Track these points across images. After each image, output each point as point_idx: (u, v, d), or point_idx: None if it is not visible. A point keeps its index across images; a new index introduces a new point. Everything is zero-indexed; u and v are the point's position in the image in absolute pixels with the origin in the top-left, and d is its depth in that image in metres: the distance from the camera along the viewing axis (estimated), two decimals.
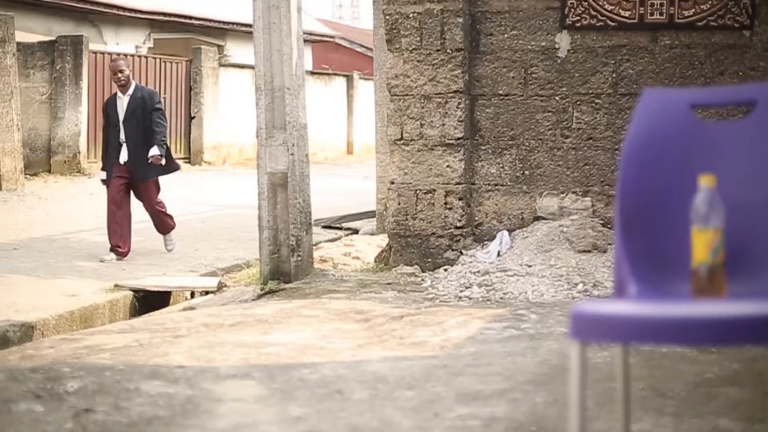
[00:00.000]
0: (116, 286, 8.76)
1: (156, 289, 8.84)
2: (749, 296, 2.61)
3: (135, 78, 21.34)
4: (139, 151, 10.28)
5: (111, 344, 5.10)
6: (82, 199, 15.33)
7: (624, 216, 2.89)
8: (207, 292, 8.48)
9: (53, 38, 19.20)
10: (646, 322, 2.39)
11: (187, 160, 22.92)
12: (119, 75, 10.41)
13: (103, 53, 20.75)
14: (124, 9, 22.44)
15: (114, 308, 8.38)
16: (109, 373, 4.42)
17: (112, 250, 10.22)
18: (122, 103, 10.42)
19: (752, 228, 2.82)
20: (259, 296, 6.78)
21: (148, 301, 8.67)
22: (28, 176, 17.14)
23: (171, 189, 17.25)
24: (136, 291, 8.75)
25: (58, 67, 18.69)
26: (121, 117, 10.37)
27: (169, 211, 10.78)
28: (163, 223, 10.76)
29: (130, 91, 10.45)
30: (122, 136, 10.35)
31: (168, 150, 10.59)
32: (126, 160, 10.31)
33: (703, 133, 2.96)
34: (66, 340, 5.35)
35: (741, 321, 2.31)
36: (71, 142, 18.77)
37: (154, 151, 10.28)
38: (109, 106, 10.59)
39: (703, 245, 2.57)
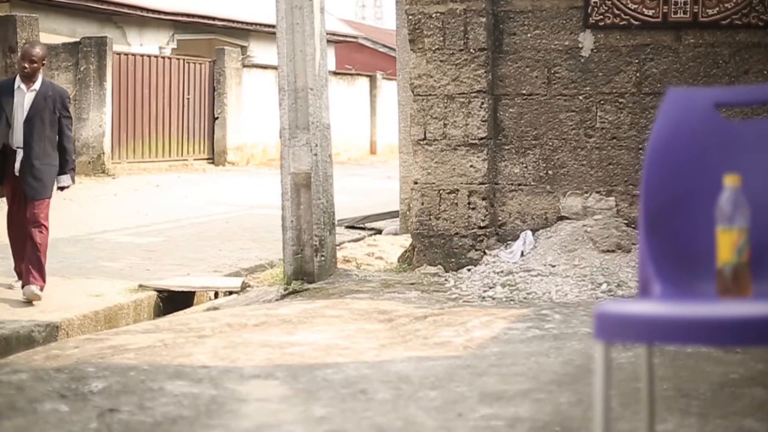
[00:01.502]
0: (141, 286, 8.79)
1: (180, 289, 8.87)
2: None
3: (160, 80, 21.65)
4: (36, 165, 8.11)
5: (135, 344, 5.12)
6: (106, 199, 15.39)
7: (648, 216, 2.88)
8: (231, 293, 8.50)
9: (77, 39, 19.28)
10: (670, 322, 2.38)
11: (210, 161, 22.98)
12: (27, 64, 8.16)
13: (127, 54, 20.84)
14: (147, 10, 22.52)
15: (138, 308, 8.41)
16: (133, 373, 4.43)
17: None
18: (25, 97, 8.16)
19: None
20: (283, 296, 6.79)
21: (172, 301, 8.69)
22: None
23: (195, 190, 17.34)
24: (160, 291, 8.77)
25: (82, 69, 18.77)
26: (21, 116, 8.15)
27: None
28: (35, 257, 8.05)
29: (37, 86, 8.20)
30: (17, 139, 8.15)
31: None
32: (18, 170, 8.15)
33: (728, 133, 2.94)
34: (91, 340, 5.37)
35: (765, 321, 2.30)
36: (95, 143, 18.85)
37: (66, 181, 8.35)
38: (3, 93, 8.25)
39: (728, 245, 2.56)
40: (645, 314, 2.45)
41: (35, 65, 8.19)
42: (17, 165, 8.15)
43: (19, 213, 8.19)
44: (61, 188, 8.37)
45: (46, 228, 8.14)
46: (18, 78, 8.30)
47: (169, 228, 10.84)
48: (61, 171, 8.27)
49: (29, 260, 8.02)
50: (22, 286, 8.07)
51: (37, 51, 8.31)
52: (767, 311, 2.35)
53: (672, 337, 2.40)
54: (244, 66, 24.16)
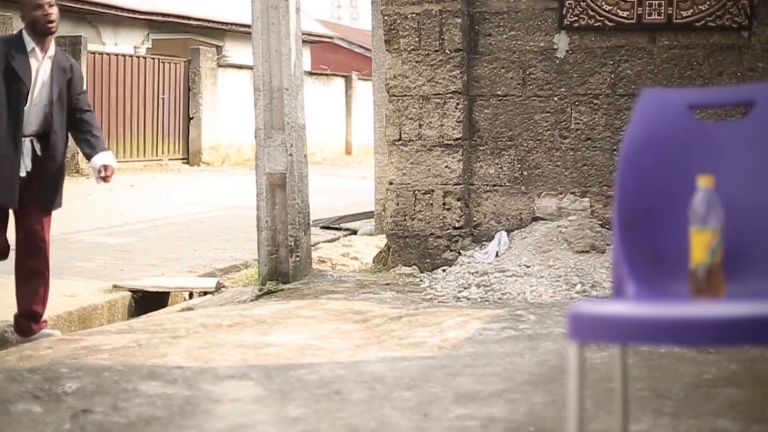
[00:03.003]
0: (115, 286, 8.75)
1: (154, 289, 8.83)
2: (748, 296, 2.61)
3: (135, 79, 21.59)
4: (58, 162, 6.14)
5: (109, 345, 5.10)
6: (80, 199, 15.32)
7: (622, 216, 2.89)
8: (205, 293, 8.48)
9: None
10: (644, 323, 2.39)
11: (185, 161, 22.92)
12: (50, 11, 5.89)
13: (101, 54, 20.76)
14: (122, 9, 22.44)
15: (112, 309, 8.38)
16: (107, 373, 4.41)
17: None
18: (41, 67, 5.98)
19: (751, 228, 2.82)
20: (258, 297, 6.78)
21: (147, 301, 8.66)
22: None
23: (170, 190, 17.28)
24: (134, 291, 8.74)
25: None
26: (39, 92, 5.96)
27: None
28: (40, 274, 6.25)
29: (52, 52, 6.02)
30: (29, 124, 5.94)
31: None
32: (29, 170, 5.96)
33: (702, 134, 2.96)
34: (64, 340, 5.35)
35: (739, 321, 2.31)
36: (70, 142, 18.74)
37: (105, 158, 6.19)
38: (12, 54, 5.88)
39: (701, 246, 2.57)
40: (619, 315, 2.45)
41: (57, 14, 5.97)
42: (27, 162, 5.93)
43: (22, 233, 6.07)
44: (105, 177, 6.16)
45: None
46: (25, 35, 5.94)
47: (143, 228, 10.80)
48: (96, 150, 6.19)
49: (39, 269, 6.25)
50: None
51: None
52: (740, 312, 2.36)
53: (646, 337, 2.40)
54: (220, 66, 24.11)
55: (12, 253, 6.17)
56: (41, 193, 6.02)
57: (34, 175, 5.98)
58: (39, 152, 5.97)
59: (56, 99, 5.99)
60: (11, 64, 5.86)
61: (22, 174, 5.92)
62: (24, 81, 5.88)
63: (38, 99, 5.96)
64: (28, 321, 6.22)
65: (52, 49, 6.04)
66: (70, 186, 17.09)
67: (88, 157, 6.22)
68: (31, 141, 5.97)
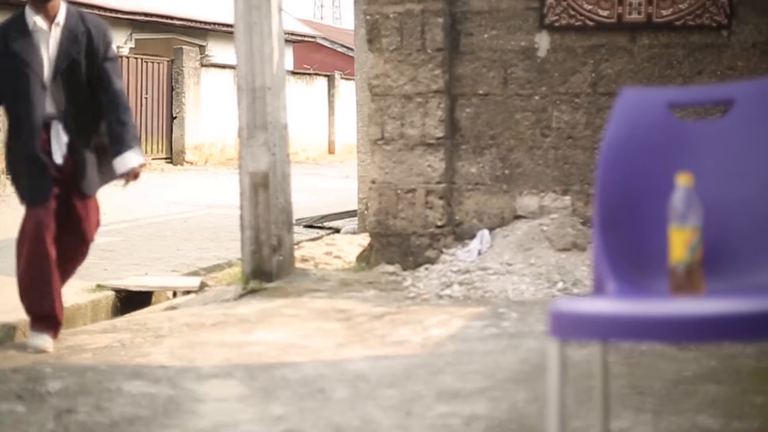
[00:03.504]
0: (98, 286, 8.75)
1: (138, 289, 8.83)
2: (727, 294, 2.64)
3: None
4: (82, 140, 5.32)
5: (93, 344, 5.10)
6: None
7: (602, 214, 2.91)
8: (189, 292, 8.47)
9: None
10: (624, 320, 2.41)
11: (168, 160, 22.89)
12: None
13: None
14: (105, 9, 22.37)
15: (96, 308, 8.37)
16: (90, 373, 4.42)
17: (39, 321, 5.27)
18: (50, 38, 5.23)
19: (730, 226, 2.84)
20: (241, 296, 6.78)
21: (130, 301, 8.66)
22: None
23: (153, 189, 17.25)
24: (118, 291, 8.74)
25: None
26: (48, 68, 5.23)
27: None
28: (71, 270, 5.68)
29: (61, 18, 5.25)
30: (49, 106, 5.23)
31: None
32: (65, 157, 5.27)
33: (681, 132, 2.98)
34: None
35: (719, 318, 2.33)
36: None
37: (134, 159, 5.35)
38: (10, 38, 5.21)
39: (681, 243, 2.59)
40: (599, 312, 2.47)
41: None
42: (58, 146, 5.24)
43: (51, 223, 5.23)
44: (127, 175, 5.35)
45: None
46: (29, 9, 5.24)
47: (127, 227, 10.79)
48: (120, 147, 5.32)
49: (73, 266, 5.66)
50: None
51: None
52: (719, 309, 2.39)
53: (626, 334, 2.42)
54: (203, 65, 24.10)
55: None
56: (78, 178, 5.28)
57: (71, 160, 5.25)
58: (66, 137, 5.22)
59: (69, 73, 5.21)
60: (11, 47, 5.15)
61: (59, 161, 5.20)
62: (29, 63, 5.15)
63: (53, 77, 5.20)
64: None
65: (61, 14, 5.22)
66: None
67: (113, 155, 5.34)
68: (57, 125, 5.22)
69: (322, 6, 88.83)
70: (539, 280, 6.52)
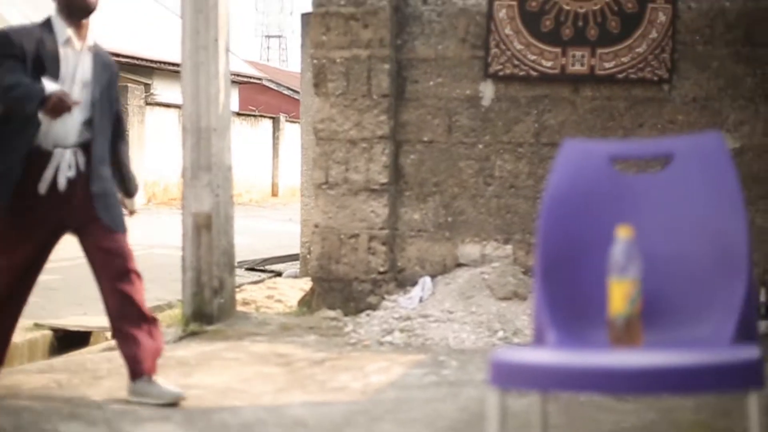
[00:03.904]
0: (36, 324, 8.62)
1: (76, 328, 8.72)
2: (665, 346, 2.67)
3: None
4: (105, 176, 4.88)
5: (29, 384, 5.04)
6: None
7: (543, 264, 2.93)
8: None
9: None
10: (564, 371, 2.43)
11: None
12: None
13: None
14: None
15: (33, 347, 8.25)
16: (26, 414, 4.36)
17: None
18: (79, 60, 4.75)
19: (668, 278, 2.88)
20: (181, 338, 6.74)
21: (68, 340, 8.54)
22: None
23: None
24: (55, 330, 8.62)
25: None
26: (77, 88, 4.72)
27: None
28: (141, 322, 4.92)
29: (91, 41, 4.82)
30: (66, 132, 4.71)
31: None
32: (73, 179, 4.74)
33: (622, 185, 3.02)
34: None
35: (657, 371, 2.36)
36: None
37: (134, 204, 5.40)
38: (46, 47, 4.65)
39: (620, 295, 2.62)
40: (539, 362, 2.49)
41: None
42: (64, 174, 4.70)
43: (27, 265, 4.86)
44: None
45: (139, 275, 5.08)
46: (56, 21, 4.73)
47: (66, 266, 10.65)
48: (124, 190, 5.22)
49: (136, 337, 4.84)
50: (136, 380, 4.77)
51: None
52: (658, 361, 2.41)
53: (566, 385, 2.44)
54: (147, 104, 24.00)
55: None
56: (103, 212, 4.80)
57: (80, 191, 4.75)
58: (82, 167, 4.74)
59: (98, 101, 4.80)
60: (43, 57, 4.62)
61: (62, 184, 4.69)
62: (57, 78, 4.63)
63: (90, 101, 4.77)
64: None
65: (91, 37, 4.80)
66: None
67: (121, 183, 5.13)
68: (74, 153, 4.72)
69: (268, 48, 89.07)
70: (480, 328, 6.54)
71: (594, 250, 2.88)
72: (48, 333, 8.53)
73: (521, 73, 7.31)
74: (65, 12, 4.70)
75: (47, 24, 4.72)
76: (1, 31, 4.70)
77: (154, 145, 23.45)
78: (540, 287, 2.89)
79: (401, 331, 6.60)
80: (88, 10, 4.68)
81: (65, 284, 10.72)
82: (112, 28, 24.20)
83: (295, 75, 34.96)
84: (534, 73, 7.29)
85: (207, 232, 7.09)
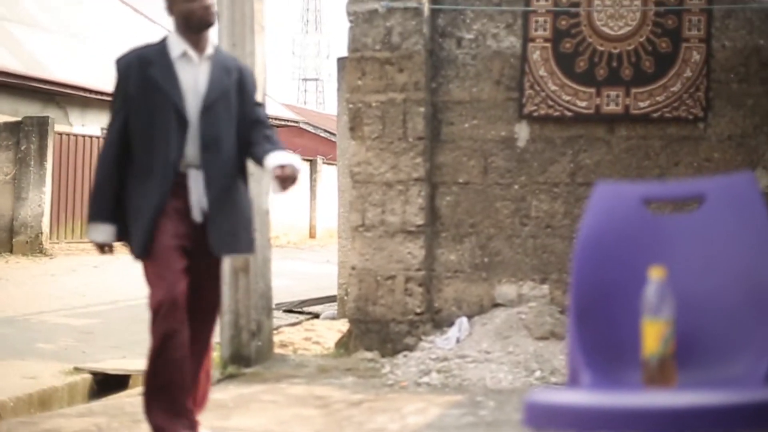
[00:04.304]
0: (76, 368, 8.69)
1: (115, 372, 8.78)
2: (699, 386, 2.68)
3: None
4: (223, 197, 4.59)
5: (69, 428, 5.08)
6: (43, 279, 15.24)
7: (577, 305, 2.95)
8: None
9: (19, 119, 19.24)
10: (598, 412, 2.44)
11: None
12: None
13: (68, 134, 20.83)
14: (90, 91, 22.51)
15: (73, 391, 8.31)
16: None
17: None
18: (198, 72, 4.60)
19: (701, 319, 2.89)
20: (219, 381, 6.77)
21: (108, 384, 8.60)
22: None
23: (133, 271, 17.20)
24: (95, 374, 8.68)
25: (23, 148, 18.71)
26: (196, 103, 4.55)
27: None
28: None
29: (210, 50, 4.66)
30: (190, 148, 4.52)
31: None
32: (205, 214, 4.54)
33: (654, 226, 3.04)
34: (24, 423, 5.32)
35: (690, 411, 2.37)
36: (34, 222, 18.72)
37: (281, 157, 4.50)
38: (155, 65, 4.56)
39: (653, 336, 2.63)
40: (573, 403, 2.51)
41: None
42: (197, 201, 4.54)
43: (183, 291, 4.59)
44: (284, 179, 4.42)
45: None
46: (171, 38, 4.64)
47: (106, 310, 10.76)
48: (265, 151, 4.59)
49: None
50: None
51: None
52: (691, 401, 2.42)
53: (599, 425, 2.45)
54: None
55: None
56: (213, 234, 4.51)
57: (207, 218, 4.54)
58: (204, 186, 4.52)
59: (218, 107, 4.57)
60: (150, 74, 4.51)
61: (197, 219, 4.51)
62: (172, 95, 4.49)
63: (202, 110, 4.54)
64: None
65: (210, 47, 4.66)
66: (34, 266, 17.06)
67: (260, 162, 4.61)
68: (198, 175, 4.53)
69: (305, 91, 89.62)
70: (517, 368, 6.54)
71: (627, 291, 2.89)
72: (87, 377, 8.59)
73: (556, 114, 7.34)
74: (182, 28, 4.59)
75: (161, 42, 4.63)
76: (116, 61, 4.60)
77: None
78: (574, 328, 2.91)
79: (438, 371, 6.60)
80: (205, 25, 4.58)
81: (104, 328, 10.80)
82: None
83: (332, 117, 35.15)
84: (569, 114, 7.31)
85: (245, 276, 7.14)
